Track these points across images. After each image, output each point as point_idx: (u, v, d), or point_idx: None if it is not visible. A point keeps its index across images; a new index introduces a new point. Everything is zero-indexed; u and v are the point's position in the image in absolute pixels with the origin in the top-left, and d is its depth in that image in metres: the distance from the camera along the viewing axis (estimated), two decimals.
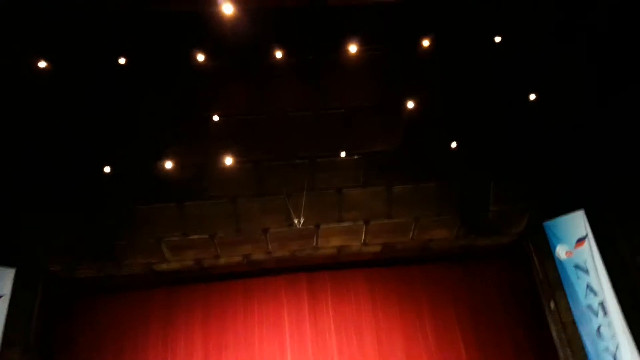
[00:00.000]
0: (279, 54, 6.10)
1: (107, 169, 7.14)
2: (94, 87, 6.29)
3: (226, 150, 7.16)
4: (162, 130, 6.96)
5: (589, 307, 7.99)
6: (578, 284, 8.17)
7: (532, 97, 7.00)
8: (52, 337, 9.01)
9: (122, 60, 5.89)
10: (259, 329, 9.54)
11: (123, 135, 6.98)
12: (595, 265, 7.89)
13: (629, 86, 6.80)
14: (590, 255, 7.99)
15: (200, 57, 6.05)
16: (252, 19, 5.62)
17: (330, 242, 9.27)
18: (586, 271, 8.05)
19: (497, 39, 6.18)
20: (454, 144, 7.60)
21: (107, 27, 5.53)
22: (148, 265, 9.20)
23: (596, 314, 7.88)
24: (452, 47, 6.36)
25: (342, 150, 7.57)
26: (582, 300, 8.11)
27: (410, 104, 6.87)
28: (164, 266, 9.30)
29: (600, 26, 6.22)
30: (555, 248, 8.51)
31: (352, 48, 6.09)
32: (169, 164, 7.03)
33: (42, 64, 5.68)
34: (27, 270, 8.25)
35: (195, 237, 8.68)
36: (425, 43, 6.14)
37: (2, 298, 7.80)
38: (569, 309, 8.44)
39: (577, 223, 8.18)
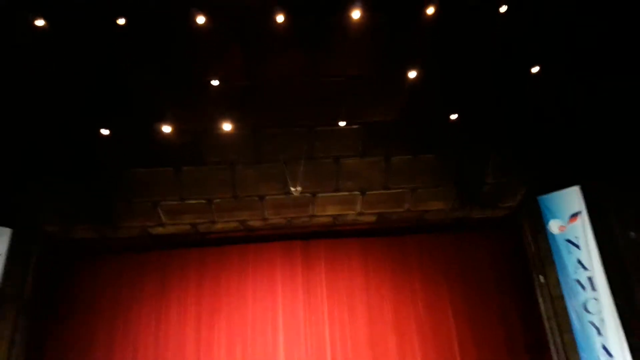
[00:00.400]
0: (279, 18, 5.97)
1: (104, 132, 7.07)
2: (91, 48, 6.15)
3: (224, 116, 7.08)
4: (160, 94, 6.85)
5: (578, 281, 8.12)
6: (569, 258, 8.28)
7: (535, 69, 6.91)
8: (47, 296, 9.13)
9: (121, 21, 5.75)
10: (252, 294, 9.68)
11: (120, 98, 6.89)
12: (587, 241, 7.99)
13: (632, 60, 6.73)
14: (582, 231, 8.08)
15: (200, 19, 5.92)
16: None
17: (326, 210, 9.32)
18: (577, 246, 8.15)
19: (503, 9, 6.06)
20: (454, 116, 7.55)
21: None
22: (144, 229, 9.25)
23: (584, 288, 8.02)
24: (454, 17, 6.23)
25: (341, 119, 7.50)
26: (571, 274, 8.23)
27: (411, 74, 6.78)
28: (160, 229, 9.35)
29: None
30: (548, 222, 8.59)
31: (355, 14, 5.96)
32: (167, 128, 6.97)
33: (39, 22, 5.55)
34: (23, 231, 8.29)
35: (192, 201, 8.71)
36: (429, 11, 6.02)
37: None
38: (558, 283, 8.56)
39: (572, 199, 8.24)
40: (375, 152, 8.24)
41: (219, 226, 9.48)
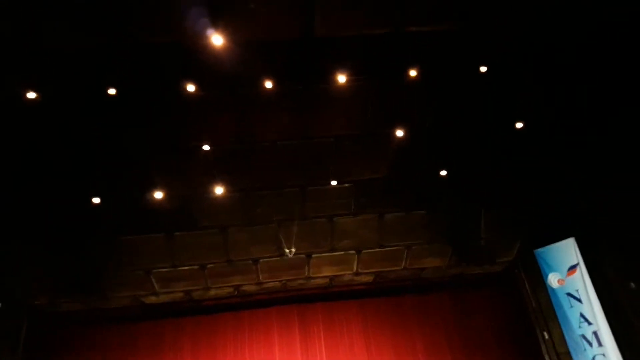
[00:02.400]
0: (267, 84, 6.17)
1: (95, 200, 7.08)
2: (81, 117, 6.29)
3: (215, 180, 7.14)
4: (151, 161, 6.95)
5: (583, 336, 7.91)
6: (571, 312, 8.11)
7: (519, 125, 7.07)
8: None
9: (111, 91, 5.91)
10: None
11: (110, 166, 6.96)
12: (587, 294, 7.86)
13: (617, 113, 6.89)
14: (582, 284, 7.97)
15: (190, 88, 6.10)
16: (240, 51, 5.69)
17: (322, 271, 9.21)
18: (579, 299, 8.01)
19: (483, 69, 6.28)
20: (443, 172, 7.64)
21: (96, 58, 5.57)
22: (136, 298, 9.06)
23: (590, 344, 7.80)
24: (438, 77, 6.46)
25: (332, 179, 7.57)
26: (575, 329, 8.03)
27: (399, 132, 6.93)
28: (153, 298, 9.17)
29: (585, 53, 6.35)
30: (547, 276, 8.48)
31: (340, 78, 6.17)
32: (158, 195, 6.99)
33: (30, 95, 5.69)
34: (11, 305, 8.09)
35: (185, 268, 8.60)
36: (412, 73, 6.24)
37: None
38: (563, 339, 8.35)
39: (568, 251, 8.19)
40: (368, 210, 8.27)
41: (212, 292, 9.31)
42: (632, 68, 6.16)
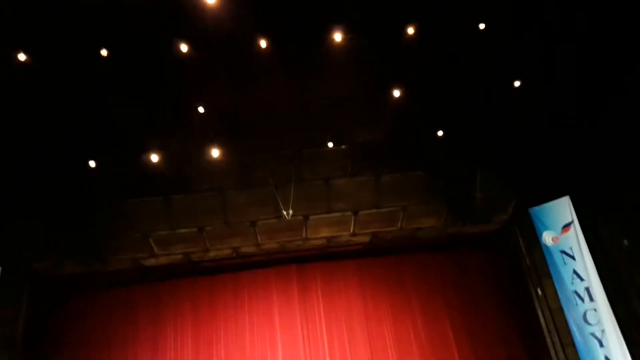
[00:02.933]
0: (262, 44, 6.04)
1: (91, 164, 7.03)
2: (75, 80, 6.18)
3: (212, 142, 7.09)
4: (146, 123, 6.87)
5: (575, 292, 8.08)
6: (564, 269, 8.25)
7: (517, 84, 7.00)
8: (40, 335, 8.95)
9: (103, 52, 5.78)
10: (250, 322, 9.55)
11: (106, 129, 6.89)
12: (581, 251, 7.99)
13: (615, 75, 6.82)
14: (576, 241, 8.08)
15: (184, 48, 5.97)
16: (235, 9, 5.55)
17: (320, 232, 9.27)
18: (572, 257, 8.14)
19: (481, 26, 6.16)
20: (440, 133, 7.61)
21: (87, 18, 5.42)
22: (136, 261, 9.14)
23: (582, 299, 7.97)
24: (436, 36, 6.34)
25: (329, 141, 7.53)
26: (568, 285, 8.19)
27: (396, 93, 6.85)
28: (152, 261, 9.25)
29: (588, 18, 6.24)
30: (541, 234, 8.57)
31: (336, 37, 6.04)
32: (154, 158, 6.95)
33: (21, 57, 5.57)
34: (12, 269, 8.15)
35: (183, 230, 8.64)
36: (410, 31, 6.12)
37: None
38: (555, 295, 8.51)
39: (562, 209, 8.27)
40: (365, 172, 8.26)
41: (211, 254, 9.39)
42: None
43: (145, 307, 9.58)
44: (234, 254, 9.58)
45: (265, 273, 9.97)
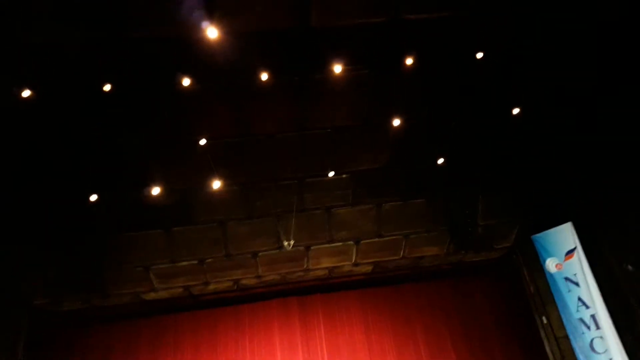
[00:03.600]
0: (264, 76, 6.12)
1: (93, 197, 7.01)
2: (77, 114, 6.22)
3: (213, 174, 7.10)
4: (148, 156, 6.90)
5: (581, 320, 7.99)
6: (569, 296, 8.18)
7: (515, 111, 7.08)
8: None
9: (106, 87, 5.84)
10: (251, 355, 9.35)
11: (108, 162, 6.90)
12: (585, 278, 7.93)
13: (614, 99, 6.90)
14: (580, 268, 8.03)
15: (186, 82, 6.03)
16: (236, 42, 5.64)
17: (321, 263, 9.20)
18: (577, 284, 8.08)
19: (479, 55, 6.27)
20: (440, 160, 7.65)
21: (91, 54, 5.50)
22: (136, 295, 9.02)
23: (589, 327, 7.88)
24: (435, 64, 6.44)
25: (330, 170, 7.56)
26: (574, 313, 8.10)
27: (396, 122, 6.91)
28: (153, 295, 9.13)
29: (583, 40, 6.35)
30: (545, 261, 8.54)
31: (337, 68, 6.13)
32: (155, 190, 6.94)
33: (25, 93, 5.61)
34: (11, 305, 8.04)
35: (184, 263, 8.56)
36: (409, 61, 6.22)
37: None
38: (561, 323, 8.42)
39: (565, 235, 8.25)
40: (366, 200, 8.27)
41: (212, 287, 9.28)
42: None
43: (145, 340, 9.38)
44: (235, 287, 9.48)
45: (266, 305, 9.82)
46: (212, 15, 5.31)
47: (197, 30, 5.37)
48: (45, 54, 5.45)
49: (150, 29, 5.47)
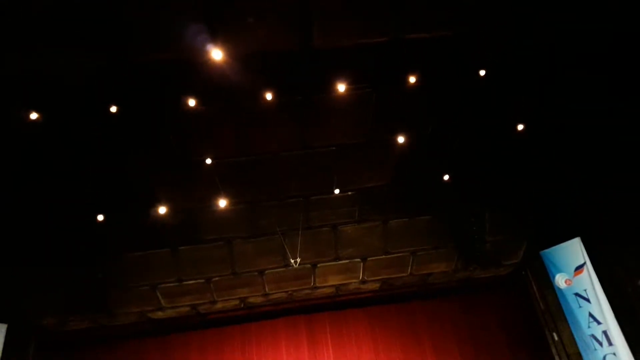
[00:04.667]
0: (268, 96, 6.17)
1: (100, 217, 7.06)
2: (84, 137, 6.29)
3: (219, 193, 7.13)
4: (154, 176, 6.95)
5: (593, 336, 7.87)
6: (580, 313, 8.07)
7: (520, 127, 7.08)
8: None
9: (112, 109, 5.92)
10: None
11: (114, 183, 6.96)
12: (595, 293, 7.83)
13: (621, 113, 6.87)
14: (590, 283, 7.93)
15: (191, 102, 6.10)
16: (240, 64, 5.70)
17: (328, 280, 9.17)
18: (587, 299, 7.98)
19: (482, 72, 6.29)
20: (446, 177, 7.64)
21: (96, 77, 5.58)
22: (142, 314, 9.03)
23: (601, 344, 7.76)
24: (438, 82, 6.46)
25: (335, 188, 7.57)
26: (585, 329, 7.99)
27: (401, 139, 6.93)
28: (159, 314, 9.14)
29: (584, 54, 6.36)
30: (554, 277, 8.44)
31: (340, 87, 6.17)
32: (162, 210, 6.98)
33: (32, 116, 5.70)
34: (18, 326, 8.07)
35: (191, 282, 8.57)
36: (411, 79, 6.25)
37: None
38: (572, 339, 8.30)
39: (574, 251, 8.17)
40: (372, 218, 8.26)
41: (219, 306, 9.27)
42: (630, 67, 6.16)
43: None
44: (242, 305, 9.46)
45: (274, 324, 9.80)
46: (216, 37, 5.38)
47: (202, 52, 5.44)
48: (52, 78, 5.53)
49: (155, 52, 5.54)
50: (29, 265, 7.52)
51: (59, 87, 5.62)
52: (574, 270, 8.16)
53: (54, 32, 5.08)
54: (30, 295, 7.96)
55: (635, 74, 6.17)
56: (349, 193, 7.89)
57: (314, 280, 9.09)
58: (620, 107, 6.64)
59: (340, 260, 8.77)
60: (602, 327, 7.75)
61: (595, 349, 7.81)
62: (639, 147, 6.66)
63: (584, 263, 8.03)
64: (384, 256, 8.80)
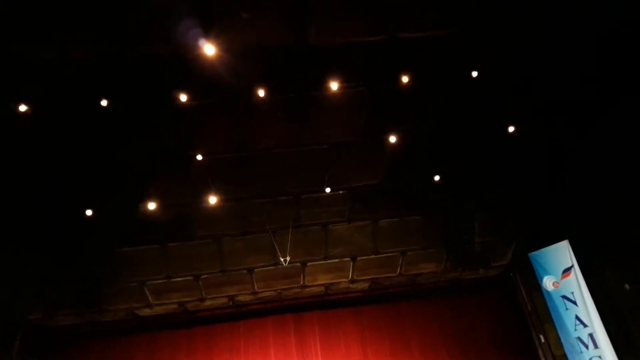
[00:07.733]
0: (261, 93, 6.15)
1: (88, 212, 6.99)
2: (74, 129, 6.23)
3: (210, 189, 7.09)
4: (145, 171, 6.89)
5: (579, 339, 7.93)
6: (567, 315, 8.13)
7: (511, 129, 7.12)
8: None
9: (103, 103, 5.86)
10: None
11: (104, 177, 6.90)
12: (582, 296, 7.89)
13: (609, 116, 6.93)
14: (577, 286, 7.99)
15: (183, 98, 6.07)
16: (234, 59, 5.68)
17: (317, 279, 9.16)
18: (574, 302, 8.03)
19: (474, 74, 6.32)
20: (437, 177, 7.66)
21: (90, 70, 5.53)
22: (130, 310, 8.95)
23: (587, 346, 7.82)
24: (431, 83, 6.49)
25: (326, 186, 7.56)
26: (571, 332, 8.05)
27: (393, 138, 6.94)
28: (147, 311, 9.07)
29: (579, 56, 6.41)
30: (542, 279, 8.49)
31: (334, 85, 6.17)
32: (152, 205, 6.93)
33: (22, 108, 5.63)
34: (5, 320, 7.96)
35: (179, 279, 8.51)
36: (405, 79, 6.26)
37: None
38: (559, 342, 8.35)
39: (562, 253, 8.22)
40: (362, 217, 8.26)
41: (207, 303, 9.22)
42: (627, 68, 6.21)
43: (140, 357, 9.30)
44: (230, 303, 9.41)
45: (262, 322, 9.75)
46: (210, 32, 5.36)
47: (195, 47, 5.41)
48: (44, 69, 5.48)
49: (149, 45, 5.51)
50: (16, 257, 7.42)
51: (50, 79, 5.56)
52: (561, 272, 8.21)
53: (46, 24, 5.04)
54: (17, 290, 7.85)
55: (630, 74, 6.21)
56: (340, 192, 7.89)
57: (304, 279, 9.08)
58: (612, 109, 6.70)
59: (330, 259, 8.77)
60: (588, 330, 7.81)
61: (581, 352, 7.86)
62: (629, 151, 6.70)
63: (572, 266, 8.08)
64: (373, 256, 8.82)
